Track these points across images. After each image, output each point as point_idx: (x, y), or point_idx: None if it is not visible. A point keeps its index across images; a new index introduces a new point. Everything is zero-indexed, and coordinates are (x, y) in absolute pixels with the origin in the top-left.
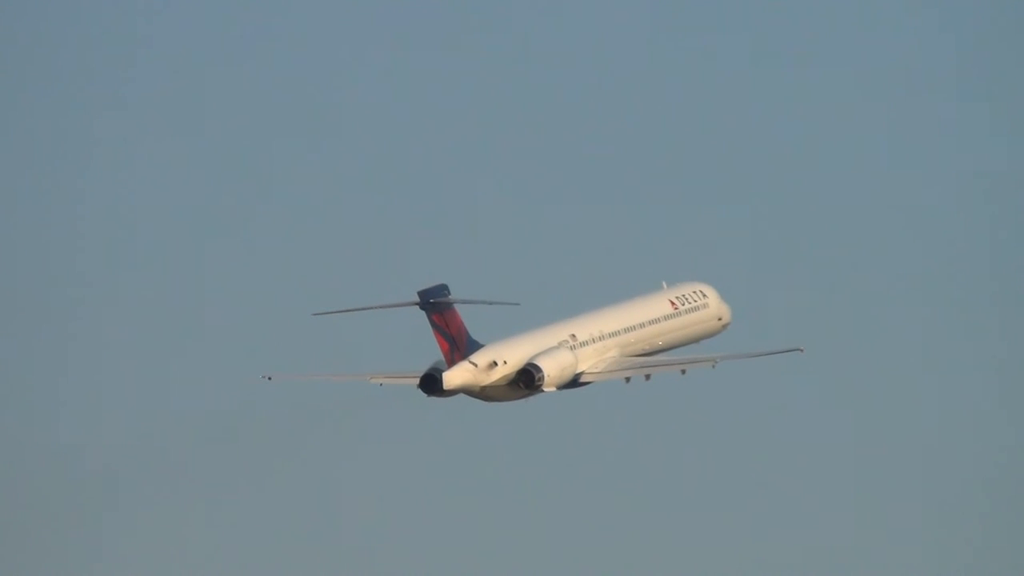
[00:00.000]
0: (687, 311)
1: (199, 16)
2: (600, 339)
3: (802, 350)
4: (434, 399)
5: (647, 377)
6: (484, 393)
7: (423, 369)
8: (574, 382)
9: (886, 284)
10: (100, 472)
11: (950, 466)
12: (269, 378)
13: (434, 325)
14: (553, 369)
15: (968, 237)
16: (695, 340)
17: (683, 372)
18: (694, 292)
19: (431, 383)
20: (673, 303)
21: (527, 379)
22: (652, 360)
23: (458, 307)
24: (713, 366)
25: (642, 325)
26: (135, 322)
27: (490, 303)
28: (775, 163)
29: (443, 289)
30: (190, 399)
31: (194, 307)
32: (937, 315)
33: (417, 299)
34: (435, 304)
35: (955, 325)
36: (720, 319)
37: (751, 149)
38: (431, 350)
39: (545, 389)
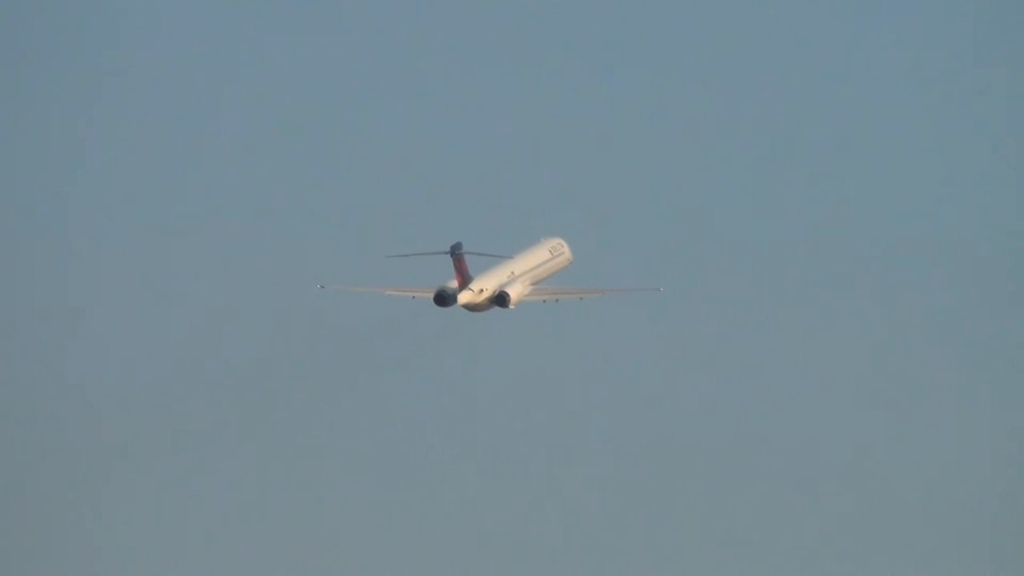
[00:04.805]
0: (555, 257)
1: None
2: (523, 274)
3: (661, 289)
4: (441, 310)
5: (557, 300)
6: (475, 308)
7: (428, 288)
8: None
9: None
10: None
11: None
12: (322, 287)
13: (455, 266)
14: (516, 294)
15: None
16: (555, 274)
17: (580, 298)
18: (558, 243)
19: (444, 300)
20: (550, 252)
21: (501, 300)
22: (559, 289)
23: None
24: (601, 295)
25: (538, 266)
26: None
27: (493, 256)
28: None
29: (461, 245)
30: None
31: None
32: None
33: (448, 249)
34: (457, 253)
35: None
36: (570, 261)
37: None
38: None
39: (510, 307)
